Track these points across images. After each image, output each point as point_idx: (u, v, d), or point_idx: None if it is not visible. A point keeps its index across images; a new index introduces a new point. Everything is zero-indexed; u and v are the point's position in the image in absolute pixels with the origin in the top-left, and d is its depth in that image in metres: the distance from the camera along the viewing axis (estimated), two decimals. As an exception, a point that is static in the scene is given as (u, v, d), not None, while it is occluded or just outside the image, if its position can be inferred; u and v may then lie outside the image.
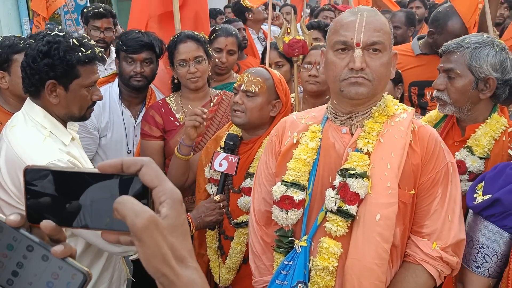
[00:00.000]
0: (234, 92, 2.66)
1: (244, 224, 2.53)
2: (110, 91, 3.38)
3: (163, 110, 3.10)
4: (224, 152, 2.54)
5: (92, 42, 2.29)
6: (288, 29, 3.02)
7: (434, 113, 2.65)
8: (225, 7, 9.56)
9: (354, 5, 7.84)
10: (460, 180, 2.31)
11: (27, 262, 0.75)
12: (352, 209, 1.82)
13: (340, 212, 1.84)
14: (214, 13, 7.70)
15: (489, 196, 1.99)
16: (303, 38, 2.97)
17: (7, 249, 0.75)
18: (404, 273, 1.93)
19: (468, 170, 2.34)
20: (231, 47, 3.88)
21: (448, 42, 2.48)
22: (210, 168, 2.61)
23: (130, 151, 3.40)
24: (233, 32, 3.97)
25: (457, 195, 1.93)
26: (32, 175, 0.78)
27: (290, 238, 1.97)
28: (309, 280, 1.90)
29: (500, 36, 4.59)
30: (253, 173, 2.39)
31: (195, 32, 3.17)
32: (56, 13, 8.63)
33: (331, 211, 1.85)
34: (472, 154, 2.35)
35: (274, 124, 2.51)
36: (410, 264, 1.92)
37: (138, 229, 0.71)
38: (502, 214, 1.94)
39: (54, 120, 2.22)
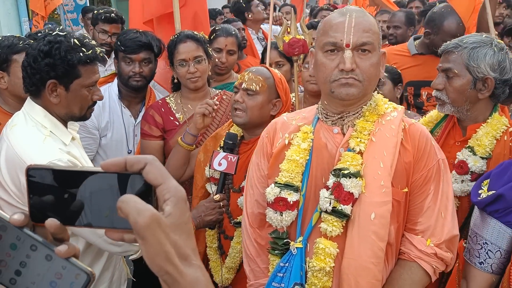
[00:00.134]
0: (235, 91, 2.67)
1: (244, 224, 2.53)
2: (110, 91, 3.38)
3: (163, 110, 3.10)
4: (224, 151, 2.55)
5: (93, 42, 2.29)
6: (288, 28, 3.03)
7: (434, 113, 2.66)
8: (223, 7, 9.54)
9: (354, 5, 7.86)
10: (462, 181, 2.35)
11: (30, 262, 0.75)
12: (347, 209, 1.83)
13: (335, 212, 1.84)
14: (214, 14, 7.69)
15: (494, 192, 2.00)
16: (303, 38, 2.97)
17: (11, 249, 0.75)
18: (400, 270, 1.94)
19: (470, 170, 2.35)
20: (231, 47, 3.88)
21: (447, 42, 2.48)
22: (209, 168, 2.61)
23: (131, 151, 3.40)
24: (233, 32, 3.97)
25: (449, 192, 1.95)
26: (35, 174, 0.78)
27: (285, 240, 1.97)
28: (306, 282, 1.90)
29: (501, 36, 4.59)
30: None
31: (195, 32, 3.17)
32: (55, 12, 8.63)
33: (326, 212, 1.86)
34: (474, 154, 2.35)
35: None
36: (405, 261, 1.94)
37: (140, 227, 0.72)
38: (505, 210, 1.95)
39: (54, 119, 2.22)
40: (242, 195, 2.55)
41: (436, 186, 1.91)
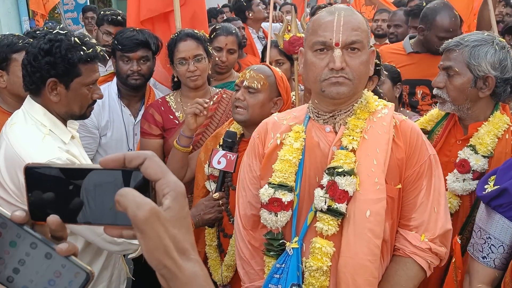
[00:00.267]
0: (236, 89, 2.67)
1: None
2: (109, 90, 3.37)
3: (163, 109, 3.10)
4: (223, 149, 2.54)
5: (93, 40, 2.29)
6: (289, 26, 3.02)
7: (435, 112, 2.65)
8: (223, 6, 9.53)
9: (354, 4, 7.86)
10: (464, 179, 2.34)
11: (29, 260, 0.75)
12: (342, 207, 1.83)
13: (330, 211, 1.84)
14: (215, 13, 7.69)
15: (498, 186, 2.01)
16: (304, 36, 2.96)
17: (10, 246, 0.75)
18: (395, 267, 1.95)
19: (472, 169, 2.34)
20: (231, 46, 3.87)
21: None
22: (208, 166, 2.61)
23: (131, 149, 3.39)
24: (233, 31, 3.97)
25: (441, 187, 1.97)
26: (33, 172, 0.78)
27: (281, 241, 1.96)
28: (303, 282, 1.90)
29: (502, 34, 4.59)
30: None
31: (195, 31, 3.16)
32: (56, 12, 8.63)
33: (321, 211, 1.86)
34: (476, 152, 2.34)
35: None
36: (400, 257, 1.95)
37: (139, 220, 0.71)
38: (509, 204, 1.95)
39: (54, 118, 2.22)
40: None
41: (428, 181, 1.93)
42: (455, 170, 2.39)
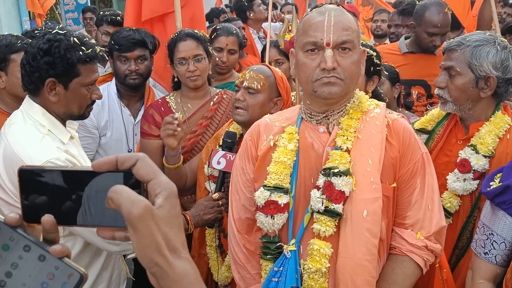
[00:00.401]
0: (236, 89, 2.66)
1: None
2: (109, 90, 3.37)
3: (163, 109, 3.08)
4: (222, 150, 2.54)
5: (93, 41, 2.28)
6: (290, 26, 3.02)
7: (436, 111, 2.64)
8: (224, 6, 9.52)
9: (355, 4, 7.85)
10: (465, 179, 2.33)
11: (22, 263, 0.74)
12: (339, 207, 1.83)
13: (327, 212, 1.84)
14: (217, 12, 7.68)
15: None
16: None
17: (3, 249, 0.74)
18: (392, 265, 1.95)
19: (473, 168, 2.34)
20: (232, 47, 3.86)
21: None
22: (208, 166, 2.60)
23: (131, 149, 3.39)
24: (234, 32, 3.96)
25: (434, 184, 1.97)
26: (27, 175, 0.78)
27: (278, 244, 1.95)
28: (301, 284, 1.90)
29: (503, 35, 4.58)
30: None
31: (195, 31, 3.15)
32: (57, 12, 8.63)
33: (318, 212, 1.85)
34: (477, 152, 2.34)
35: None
36: (397, 256, 1.95)
37: (133, 217, 0.72)
38: None
39: (52, 118, 2.21)
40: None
41: (422, 179, 1.94)
42: (455, 170, 2.38)
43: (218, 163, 2.53)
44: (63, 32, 2.17)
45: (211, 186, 2.64)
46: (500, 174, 2.09)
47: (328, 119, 1.95)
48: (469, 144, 2.39)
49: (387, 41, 5.62)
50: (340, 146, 1.88)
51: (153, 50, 3.33)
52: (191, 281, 0.76)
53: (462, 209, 2.41)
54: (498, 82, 2.33)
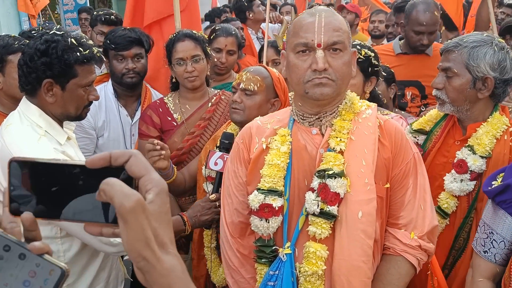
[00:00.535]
0: (233, 91, 2.66)
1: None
2: (106, 90, 3.37)
3: (161, 110, 3.08)
4: (220, 151, 2.54)
5: (90, 42, 2.28)
6: (288, 27, 3.02)
7: (434, 112, 2.64)
8: (223, 6, 9.51)
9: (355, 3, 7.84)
10: (462, 180, 2.33)
11: (3, 263, 0.74)
12: (334, 209, 1.83)
13: (322, 214, 1.83)
14: (218, 12, 7.67)
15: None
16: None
17: None
18: (386, 266, 1.95)
19: (470, 169, 2.33)
20: (231, 47, 3.86)
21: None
22: (205, 167, 2.60)
23: (129, 150, 3.38)
24: (233, 32, 3.95)
25: (426, 184, 1.98)
26: (17, 166, 0.78)
27: (274, 247, 1.94)
28: None
29: (501, 35, 4.58)
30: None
31: (194, 31, 3.15)
32: (56, 12, 8.62)
33: (313, 214, 1.85)
34: (474, 153, 2.34)
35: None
36: (391, 256, 1.95)
37: (125, 210, 0.72)
38: None
39: (49, 119, 2.21)
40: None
41: (414, 179, 1.95)
42: (452, 171, 2.38)
43: (216, 164, 2.53)
44: (61, 33, 2.17)
45: (208, 187, 2.64)
46: (503, 174, 2.10)
47: (321, 120, 1.94)
48: (466, 144, 2.39)
49: (385, 41, 5.62)
50: (334, 148, 1.88)
51: (148, 49, 3.33)
52: (178, 276, 0.76)
53: (459, 210, 2.41)
54: (496, 83, 2.32)
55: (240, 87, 2.58)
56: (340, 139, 1.88)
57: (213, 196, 2.52)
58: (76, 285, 2.29)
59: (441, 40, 5.29)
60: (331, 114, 1.94)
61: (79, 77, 2.18)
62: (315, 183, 1.86)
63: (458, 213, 2.41)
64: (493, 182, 2.09)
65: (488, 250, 2.08)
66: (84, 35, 2.38)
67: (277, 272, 1.90)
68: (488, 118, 2.40)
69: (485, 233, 2.10)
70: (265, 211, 1.90)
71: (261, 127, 2.06)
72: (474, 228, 2.36)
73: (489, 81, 2.32)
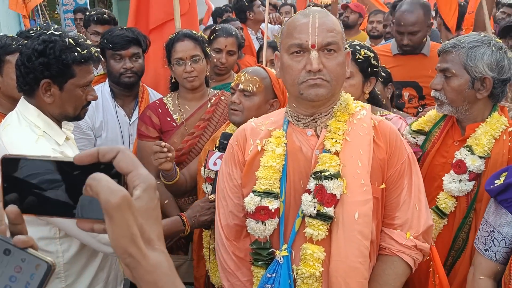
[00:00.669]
0: (232, 92, 2.66)
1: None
2: (102, 91, 3.36)
3: (160, 111, 3.08)
4: (219, 151, 2.53)
5: (88, 41, 2.28)
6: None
7: (433, 113, 2.64)
8: (225, 6, 9.50)
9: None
10: (460, 180, 2.33)
11: None
12: (331, 211, 1.82)
13: (319, 215, 1.83)
14: (219, 12, 7.66)
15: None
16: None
17: None
18: (383, 266, 1.95)
19: (468, 169, 2.33)
20: (231, 48, 3.86)
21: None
22: (205, 168, 2.59)
23: (127, 150, 3.37)
24: (233, 33, 3.95)
25: (420, 184, 1.99)
26: (10, 163, 0.79)
27: (271, 250, 1.93)
28: None
29: (501, 37, 4.58)
30: None
31: (193, 31, 3.15)
32: (55, 12, 8.62)
33: (310, 216, 1.85)
34: (472, 153, 2.34)
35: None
36: (387, 256, 1.96)
37: (111, 206, 0.72)
38: None
39: (48, 119, 2.21)
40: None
41: (409, 179, 1.96)
42: (451, 171, 2.38)
43: (215, 164, 2.53)
44: (58, 33, 2.16)
45: (208, 187, 2.63)
46: (506, 173, 2.11)
47: (316, 122, 1.94)
48: (465, 145, 2.38)
49: (383, 41, 5.62)
50: (329, 149, 1.87)
51: (145, 49, 3.34)
52: (164, 272, 0.76)
53: (458, 210, 2.40)
54: (494, 83, 2.32)
55: (239, 88, 2.58)
56: (336, 140, 1.88)
57: (212, 197, 2.52)
58: (75, 286, 2.29)
59: (441, 40, 5.29)
60: (326, 115, 1.93)
61: (77, 77, 2.18)
62: (311, 184, 1.85)
63: (457, 214, 2.41)
64: (495, 181, 2.10)
65: (489, 248, 2.10)
66: (82, 35, 2.37)
67: (274, 274, 1.89)
68: (487, 118, 2.40)
69: (487, 231, 2.12)
70: (261, 213, 1.89)
71: (256, 129, 2.05)
72: (473, 228, 2.36)
73: (487, 81, 2.32)
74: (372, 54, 2.75)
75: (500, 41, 2.41)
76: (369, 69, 2.74)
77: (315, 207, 1.83)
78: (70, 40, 2.16)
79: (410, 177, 1.95)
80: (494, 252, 2.09)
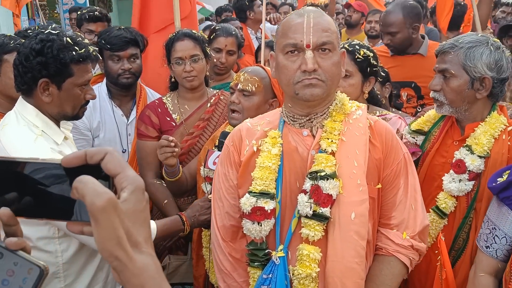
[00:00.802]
0: (231, 92, 2.66)
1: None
2: (100, 91, 3.35)
3: (160, 110, 3.08)
4: (218, 150, 2.53)
5: (86, 40, 2.27)
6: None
7: (432, 113, 2.63)
8: (226, 5, 9.51)
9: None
10: (460, 180, 2.33)
11: None
12: (327, 211, 1.82)
13: (315, 216, 1.83)
14: (219, 11, 7.66)
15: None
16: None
17: None
18: (379, 266, 1.95)
19: (468, 169, 2.33)
20: (231, 47, 3.85)
21: (444, 42, 2.48)
22: (204, 167, 2.59)
23: (125, 150, 3.37)
24: (233, 32, 3.95)
25: (416, 184, 1.99)
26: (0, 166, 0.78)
27: (267, 251, 1.93)
28: None
29: (500, 36, 4.58)
30: None
31: (193, 31, 3.15)
32: (55, 11, 8.62)
33: (306, 216, 1.84)
34: (472, 153, 2.33)
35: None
36: (384, 256, 1.95)
37: (96, 209, 0.72)
38: None
39: (46, 119, 2.20)
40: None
41: (405, 179, 1.95)
42: (451, 171, 2.38)
43: (214, 163, 2.52)
44: (56, 32, 2.16)
45: (207, 187, 2.63)
46: (509, 171, 2.11)
47: (312, 122, 1.94)
48: (464, 144, 2.38)
49: (381, 41, 5.61)
50: (325, 149, 1.87)
51: (142, 49, 3.33)
52: (151, 275, 0.76)
53: (458, 210, 2.40)
54: (493, 83, 2.32)
55: (238, 87, 2.57)
56: (331, 140, 1.87)
57: (211, 196, 2.52)
58: (74, 286, 2.28)
59: (440, 40, 5.28)
60: (321, 115, 1.93)
61: (75, 76, 2.17)
62: (307, 185, 1.85)
63: (457, 214, 2.41)
64: (498, 179, 2.10)
65: (490, 246, 2.11)
66: (79, 34, 2.36)
67: (270, 275, 1.88)
68: (486, 118, 2.40)
69: (488, 228, 2.13)
70: (257, 214, 1.89)
71: (251, 129, 2.05)
72: (474, 228, 2.36)
73: (487, 81, 2.32)
74: (371, 54, 2.75)
75: (498, 40, 2.41)
76: (368, 69, 2.74)
77: (311, 208, 1.82)
78: (68, 39, 2.15)
79: (406, 177, 1.95)
80: (495, 250, 2.09)
